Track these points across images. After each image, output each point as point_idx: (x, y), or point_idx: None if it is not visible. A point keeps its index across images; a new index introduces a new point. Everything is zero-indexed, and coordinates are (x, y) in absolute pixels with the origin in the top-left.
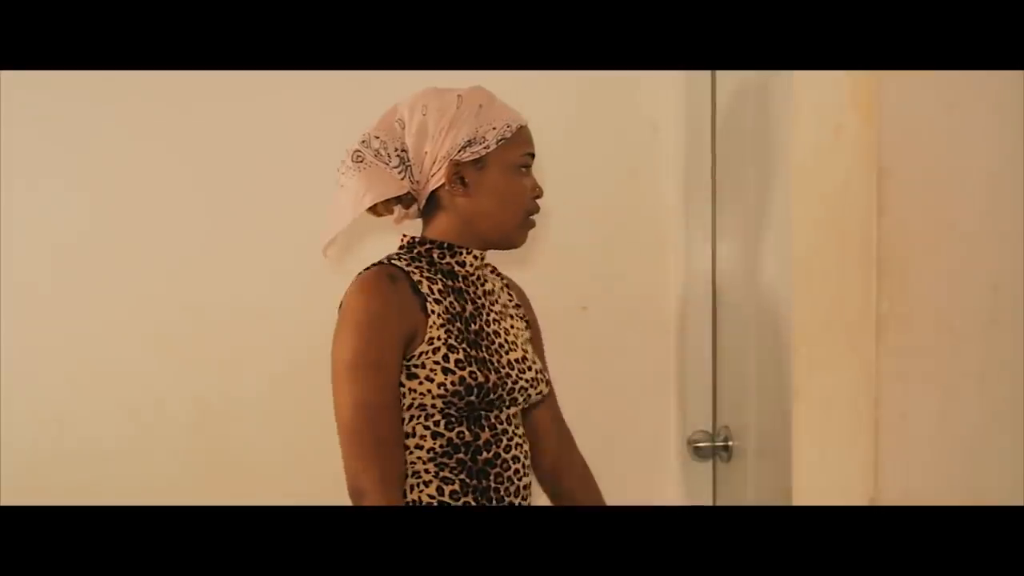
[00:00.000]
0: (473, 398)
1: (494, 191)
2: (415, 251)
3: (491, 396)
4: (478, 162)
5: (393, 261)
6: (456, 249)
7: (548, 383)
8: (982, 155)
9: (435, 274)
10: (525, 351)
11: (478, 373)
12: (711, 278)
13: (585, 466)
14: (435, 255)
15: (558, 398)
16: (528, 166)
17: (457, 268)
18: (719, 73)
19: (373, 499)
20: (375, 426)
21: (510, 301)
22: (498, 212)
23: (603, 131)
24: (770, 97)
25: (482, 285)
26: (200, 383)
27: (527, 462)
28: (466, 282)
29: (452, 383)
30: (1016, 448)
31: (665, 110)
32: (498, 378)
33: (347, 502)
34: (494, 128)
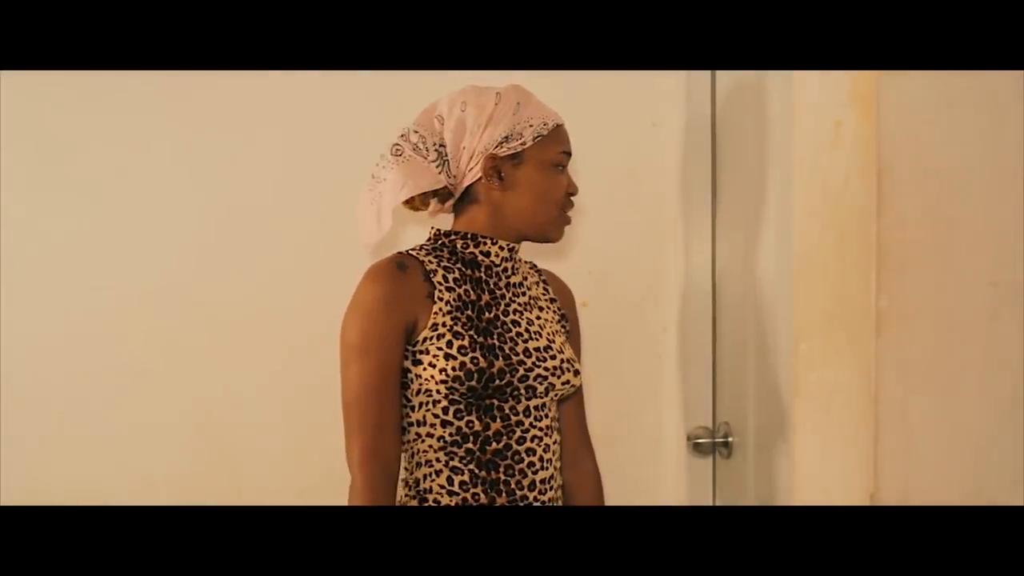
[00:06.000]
0: (475, 383)
1: (530, 187)
2: (439, 242)
3: (496, 382)
4: (514, 158)
5: (410, 251)
6: (481, 239)
7: (577, 374)
8: (981, 152)
9: (454, 263)
10: (551, 341)
11: (480, 359)
12: (711, 274)
13: (597, 477)
14: (458, 245)
15: None
16: (564, 164)
17: (481, 258)
18: (719, 71)
19: (353, 475)
20: (366, 406)
21: (544, 294)
22: (533, 208)
23: (603, 130)
24: (770, 95)
25: (508, 276)
26: (200, 382)
27: (547, 455)
28: (488, 272)
29: (453, 368)
30: (1017, 444)
31: (665, 108)
32: (506, 365)
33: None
34: (531, 125)
